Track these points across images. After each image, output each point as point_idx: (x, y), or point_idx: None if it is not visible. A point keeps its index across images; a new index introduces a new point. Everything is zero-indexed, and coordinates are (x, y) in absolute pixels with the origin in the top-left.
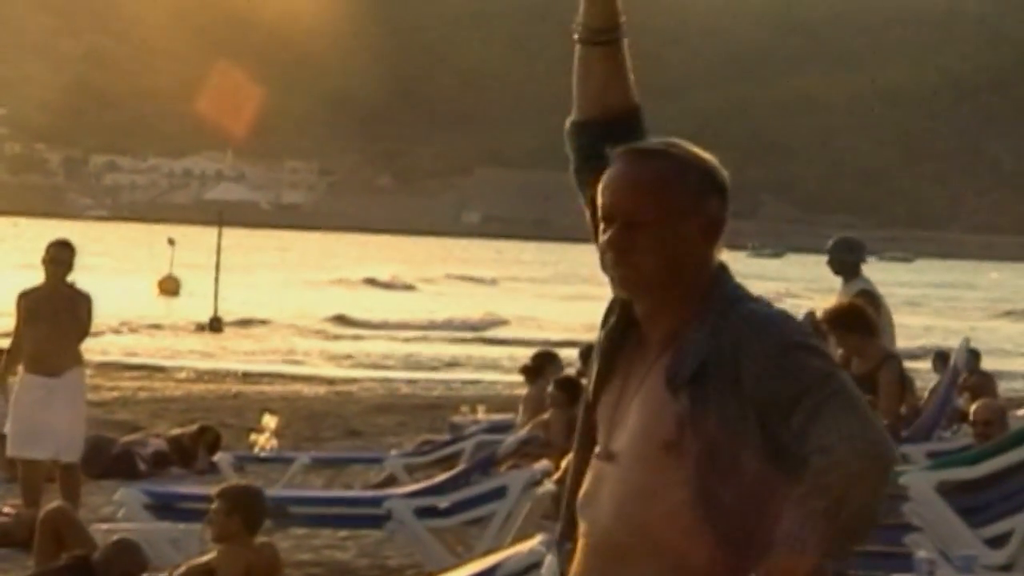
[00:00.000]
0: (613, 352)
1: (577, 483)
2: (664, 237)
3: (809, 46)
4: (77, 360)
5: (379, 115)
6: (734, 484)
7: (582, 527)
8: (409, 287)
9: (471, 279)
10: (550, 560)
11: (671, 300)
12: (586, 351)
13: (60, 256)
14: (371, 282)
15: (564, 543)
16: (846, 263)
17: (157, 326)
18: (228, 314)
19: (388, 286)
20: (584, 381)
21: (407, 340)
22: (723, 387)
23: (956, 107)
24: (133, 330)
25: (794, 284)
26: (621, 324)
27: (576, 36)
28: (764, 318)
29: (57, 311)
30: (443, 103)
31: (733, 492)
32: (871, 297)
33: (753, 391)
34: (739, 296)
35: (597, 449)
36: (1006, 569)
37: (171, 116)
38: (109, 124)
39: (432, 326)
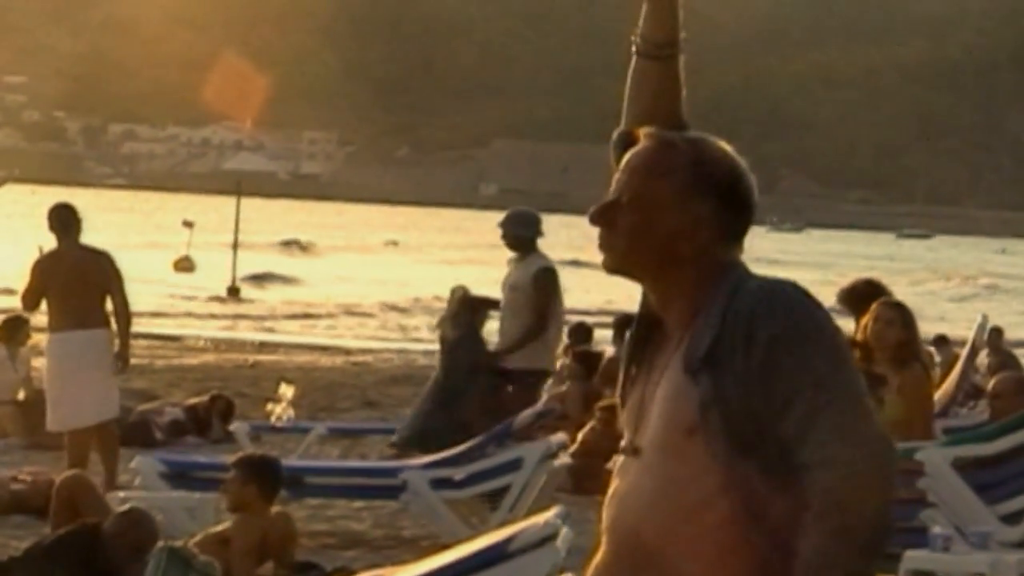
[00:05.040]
0: (638, 349)
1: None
2: (638, 223)
3: (828, 20)
4: (49, 326)
5: (398, 86)
6: (764, 466)
7: (604, 523)
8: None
9: None
10: (565, 532)
11: (672, 290)
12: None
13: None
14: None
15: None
16: (521, 238)
17: (174, 296)
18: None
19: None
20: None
21: None
22: (742, 361)
23: (975, 82)
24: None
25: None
26: (645, 321)
27: (634, 48)
28: (774, 292)
29: None
30: (461, 74)
31: (764, 474)
32: (552, 273)
33: (756, 375)
34: (748, 275)
35: (622, 444)
36: (1022, 546)
37: (190, 85)
38: (128, 93)
39: None
